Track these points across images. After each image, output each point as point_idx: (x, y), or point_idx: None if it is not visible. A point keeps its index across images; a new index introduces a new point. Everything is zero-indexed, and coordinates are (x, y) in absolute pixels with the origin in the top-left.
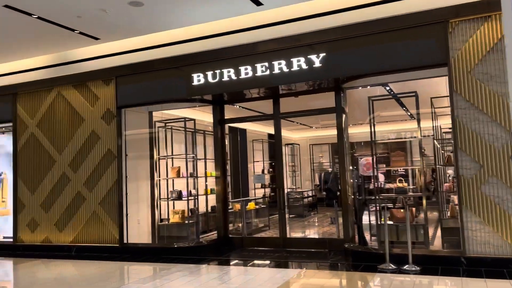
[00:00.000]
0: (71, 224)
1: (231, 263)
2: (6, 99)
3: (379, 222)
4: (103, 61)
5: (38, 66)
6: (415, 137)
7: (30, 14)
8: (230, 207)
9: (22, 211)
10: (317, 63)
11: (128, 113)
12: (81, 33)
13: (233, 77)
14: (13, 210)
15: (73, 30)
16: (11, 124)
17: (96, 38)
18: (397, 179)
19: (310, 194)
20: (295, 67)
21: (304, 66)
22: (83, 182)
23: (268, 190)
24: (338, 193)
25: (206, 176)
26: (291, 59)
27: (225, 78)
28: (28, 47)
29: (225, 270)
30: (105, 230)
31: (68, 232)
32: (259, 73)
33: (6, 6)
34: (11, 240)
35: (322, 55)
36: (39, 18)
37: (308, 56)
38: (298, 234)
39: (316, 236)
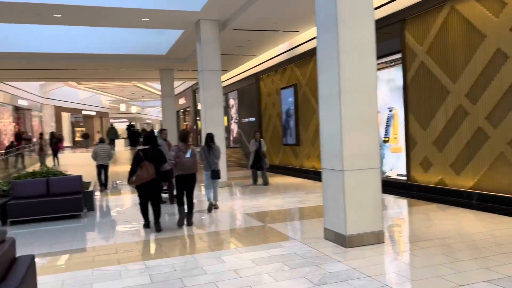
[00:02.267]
0: (470, 166)
1: None
2: (393, 28)
3: None
4: None
5: None
6: None
7: None
8: None
9: (414, 148)
10: None
11: None
12: None
13: None
14: (405, 147)
15: None
16: (400, 55)
17: None
18: None
19: None
20: None
21: None
22: (485, 115)
23: None
24: None
25: None
26: None
27: None
28: None
29: None
30: None
31: (466, 175)
32: None
33: None
34: (405, 178)
35: None
36: None
37: None
38: None
39: None
